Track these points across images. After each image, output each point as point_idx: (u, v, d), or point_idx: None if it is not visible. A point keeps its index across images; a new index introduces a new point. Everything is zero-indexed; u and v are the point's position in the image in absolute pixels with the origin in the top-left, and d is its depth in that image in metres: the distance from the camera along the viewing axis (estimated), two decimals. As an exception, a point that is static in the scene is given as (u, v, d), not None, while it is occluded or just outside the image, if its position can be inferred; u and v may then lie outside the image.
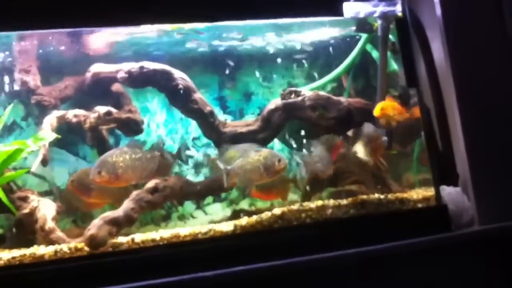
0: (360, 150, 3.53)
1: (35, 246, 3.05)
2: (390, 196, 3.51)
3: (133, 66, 3.55)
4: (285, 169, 3.41)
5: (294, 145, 4.00)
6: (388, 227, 3.28)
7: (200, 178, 3.96)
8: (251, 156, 3.29)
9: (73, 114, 3.56)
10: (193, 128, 3.98)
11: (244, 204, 3.96)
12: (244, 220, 3.26)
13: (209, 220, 3.76)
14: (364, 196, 3.50)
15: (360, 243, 3.05)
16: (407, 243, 3.11)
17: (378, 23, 3.77)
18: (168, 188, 3.42)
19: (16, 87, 3.61)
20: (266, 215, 3.26)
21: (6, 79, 3.63)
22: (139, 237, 3.11)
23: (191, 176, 3.95)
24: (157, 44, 3.73)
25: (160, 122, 3.96)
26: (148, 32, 3.52)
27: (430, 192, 3.51)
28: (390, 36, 3.82)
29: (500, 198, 3.42)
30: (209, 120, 3.69)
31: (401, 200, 3.48)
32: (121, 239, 3.08)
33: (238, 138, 3.64)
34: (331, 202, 3.45)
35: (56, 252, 2.94)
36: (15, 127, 3.69)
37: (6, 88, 3.63)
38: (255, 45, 4.02)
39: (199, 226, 3.31)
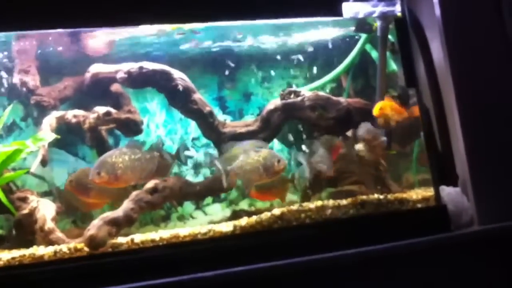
0: (360, 147, 3.53)
1: (35, 247, 3.05)
2: (389, 196, 3.51)
3: (132, 66, 3.54)
4: (284, 170, 3.41)
5: (294, 145, 4.00)
6: (387, 227, 3.28)
7: (200, 178, 3.96)
8: (250, 156, 3.29)
9: (72, 114, 3.56)
10: (193, 128, 3.98)
11: (243, 205, 3.96)
12: (243, 221, 3.26)
13: (208, 220, 3.75)
14: (364, 197, 3.50)
15: (359, 244, 3.05)
16: (407, 243, 3.11)
17: (378, 23, 3.77)
18: (168, 188, 3.42)
19: (15, 88, 3.60)
20: (265, 215, 3.26)
21: (6, 79, 3.62)
22: (139, 237, 3.11)
23: (190, 177, 3.95)
24: (156, 44, 3.73)
25: (159, 122, 3.96)
26: (147, 32, 3.52)
27: (429, 192, 3.51)
28: (390, 36, 3.83)
29: (499, 198, 3.42)
30: (209, 120, 3.69)
31: (400, 200, 3.48)
32: (121, 240, 3.07)
33: (237, 139, 3.64)
34: (331, 202, 3.45)
35: (55, 252, 2.94)
36: (15, 128, 3.69)
37: (6, 88, 3.63)
38: (255, 45, 4.02)
39: (198, 227, 3.31)
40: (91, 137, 3.56)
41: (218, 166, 3.32)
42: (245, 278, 2.86)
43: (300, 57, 4.18)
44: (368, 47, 4.08)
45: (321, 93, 3.85)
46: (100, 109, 3.54)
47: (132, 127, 3.66)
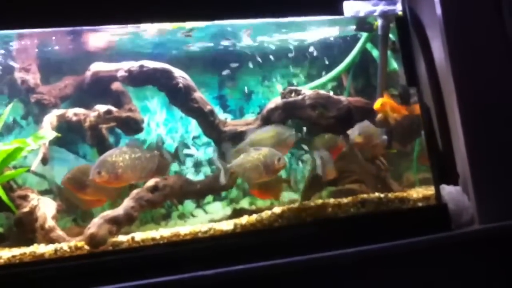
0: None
1: (35, 245, 3.05)
2: (390, 195, 3.51)
3: (133, 64, 3.54)
4: (284, 168, 3.41)
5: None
6: (388, 226, 3.27)
7: (201, 177, 3.96)
8: (251, 154, 3.29)
9: (73, 112, 3.57)
10: (193, 127, 3.98)
11: (244, 203, 3.96)
12: (244, 219, 3.26)
13: (209, 219, 3.76)
14: (364, 195, 3.50)
15: (360, 242, 3.06)
16: (407, 242, 3.11)
17: (378, 22, 3.77)
18: (168, 187, 3.42)
19: (16, 86, 3.60)
20: (266, 214, 3.27)
21: (6, 77, 3.62)
22: (139, 235, 3.11)
23: (191, 175, 3.95)
24: (155, 43, 3.74)
25: (160, 121, 3.96)
26: (146, 31, 3.52)
27: (430, 191, 3.51)
28: (390, 35, 3.83)
29: (500, 197, 3.42)
30: (209, 119, 3.69)
31: (401, 199, 3.48)
32: (121, 238, 3.08)
33: (238, 137, 3.64)
34: (331, 201, 3.45)
35: (56, 250, 2.95)
36: (15, 126, 3.69)
37: (6, 86, 3.63)
38: (255, 44, 4.01)
39: (199, 225, 3.32)
40: (91, 135, 3.57)
41: (218, 164, 3.32)
42: (245, 276, 2.86)
43: (301, 56, 4.18)
44: (369, 46, 4.09)
45: (322, 91, 3.84)
46: (101, 108, 3.55)
47: (132, 126, 3.67)
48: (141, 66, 3.52)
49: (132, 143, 3.30)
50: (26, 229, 3.22)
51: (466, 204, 3.42)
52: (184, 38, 3.66)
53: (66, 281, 2.78)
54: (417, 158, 3.93)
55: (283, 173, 3.88)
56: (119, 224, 3.13)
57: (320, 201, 3.48)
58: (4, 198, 3.11)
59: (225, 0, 3.29)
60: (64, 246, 2.98)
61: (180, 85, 3.57)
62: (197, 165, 4.01)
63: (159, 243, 3.06)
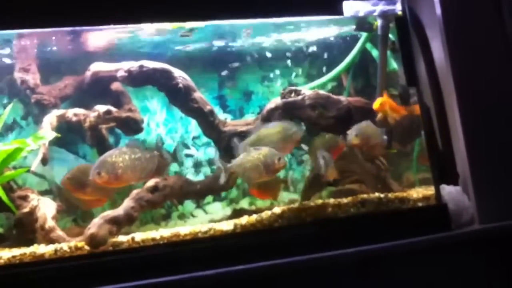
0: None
1: (35, 245, 3.05)
2: (390, 195, 3.51)
3: (133, 65, 3.53)
4: (284, 168, 3.41)
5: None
6: (388, 226, 3.28)
7: (200, 177, 3.96)
8: (251, 154, 3.29)
9: (73, 113, 3.57)
10: (193, 127, 3.98)
11: (244, 203, 3.96)
12: (244, 219, 3.26)
13: (209, 219, 3.76)
14: (364, 195, 3.50)
15: (360, 242, 3.06)
16: (407, 242, 3.11)
17: (378, 22, 3.77)
18: (168, 187, 3.42)
19: (16, 86, 3.60)
20: (266, 214, 3.27)
21: (6, 77, 3.62)
22: (139, 236, 3.11)
23: (191, 175, 3.95)
24: (154, 43, 3.74)
25: (160, 121, 3.96)
26: (145, 31, 3.52)
27: (430, 191, 3.51)
28: (390, 35, 3.83)
29: (500, 197, 3.42)
30: (209, 119, 3.68)
31: (401, 199, 3.48)
32: (121, 238, 3.08)
33: (237, 137, 3.64)
34: (331, 201, 3.45)
35: (56, 251, 2.95)
36: (15, 126, 3.69)
37: (6, 86, 3.63)
38: (255, 44, 4.01)
39: (199, 225, 3.32)
40: (91, 135, 3.56)
41: (218, 164, 3.32)
42: (245, 276, 2.86)
43: (301, 56, 4.18)
44: (368, 46, 4.08)
45: (322, 91, 3.84)
46: (101, 108, 3.55)
47: (132, 126, 3.67)
48: (141, 66, 3.52)
49: (132, 144, 3.30)
50: (26, 229, 3.22)
51: (466, 204, 3.42)
52: (181, 38, 3.65)
53: (66, 281, 2.77)
54: (417, 158, 3.93)
55: (281, 173, 3.89)
56: (119, 224, 3.13)
57: (320, 201, 3.48)
58: (4, 198, 3.11)
59: (225, 0, 3.29)
60: (64, 246, 2.98)
61: (180, 85, 3.57)
62: (197, 166, 4.01)
63: (159, 243, 3.06)
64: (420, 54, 3.78)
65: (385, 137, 3.62)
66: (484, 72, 3.55)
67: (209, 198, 3.91)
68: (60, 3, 3.03)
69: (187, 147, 4.00)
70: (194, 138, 4.02)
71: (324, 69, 4.20)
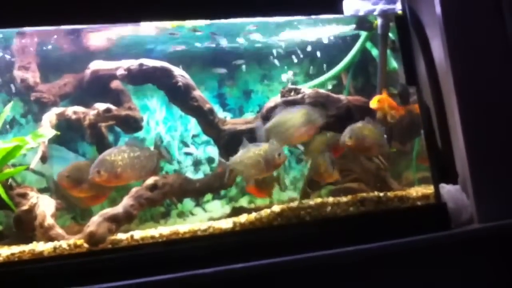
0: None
1: (34, 243, 3.05)
2: (389, 194, 3.51)
3: (133, 63, 3.53)
4: (284, 163, 3.41)
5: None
6: (387, 225, 3.27)
7: (200, 175, 3.96)
8: (251, 150, 3.29)
9: (72, 111, 3.56)
10: (193, 125, 3.97)
11: (243, 202, 3.96)
12: (243, 218, 3.26)
13: (208, 217, 3.76)
14: (364, 194, 3.50)
15: (359, 241, 3.06)
16: (406, 241, 3.11)
17: (378, 21, 3.77)
18: (168, 185, 3.43)
19: (15, 84, 3.60)
20: (265, 212, 3.27)
21: (6, 76, 3.62)
22: (139, 234, 3.11)
23: (190, 174, 3.95)
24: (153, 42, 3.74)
25: (159, 119, 3.96)
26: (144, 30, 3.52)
27: (429, 190, 3.51)
28: (390, 34, 3.83)
29: (499, 196, 3.42)
30: (209, 117, 3.68)
31: (400, 198, 3.48)
32: (120, 236, 3.08)
33: (237, 136, 3.63)
34: (331, 199, 3.45)
35: (55, 248, 2.95)
36: (14, 124, 3.69)
37: (6, 85, 3.63)
38: (255, 43, 4.02)
39: (198, 223, 3.32)
40: (91, 133, 3.56)
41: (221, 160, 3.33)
42: (244, 275, 2.86)
43: (301, 55, 4.18)
44: (368, 45, 4.08)
45: (322, 90, 3.84)
46: (100, 106, 3.54)
47: (132, 124, 3.66)
48: (141, 65, 3.52)
49: (131, 142, 3.30)
50: (25, 227, 3.22)
51: (465, 203, 3.42)
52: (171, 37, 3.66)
53: (65, 279, 2.76)
54: (416, 157, 3.93)
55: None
56: (119, 222, 3.13)
57: (319, 200, 3.48)
58: (4, 196, 3.11)
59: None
60: (63, 244, 2.98)
61: (180, 83, 3.57)
62: (197, 164, 4.01)
63: (158, 241, 3.06)
64: (420, 53, 3.78)
65: (384, 136, 3.62)
66: (484, 71, 3.55)
67: (208, 196, 3.91)
68: (60, 2, 3.03)
69: (186, 145, 4.00)
70: (193, 136, 4.02)
71: (324, 68, 4.19)
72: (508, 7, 3.61)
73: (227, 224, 3.21)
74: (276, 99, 3.79)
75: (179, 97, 3.64)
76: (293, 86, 3.78)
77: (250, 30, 3.80)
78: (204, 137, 3.94)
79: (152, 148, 3.38)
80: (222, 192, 3.94)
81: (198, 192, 3.66)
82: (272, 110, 3.70)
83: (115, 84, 3.72)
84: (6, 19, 2.98)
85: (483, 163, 3.46)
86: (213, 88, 4.09)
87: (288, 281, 2.99)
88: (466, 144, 3.47)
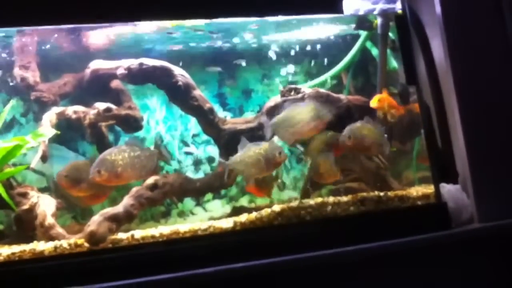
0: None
1: (35, 242, 3.05)
2: (389, 193, 3.52)
3: (133, 62, 3.53)
4: (284, 161, 3.41)
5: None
6: (387, 225, 3.28)
7: (200, 175, 3.96)
8: (252, 149, 3.29)
9: (72, 110, 3.56)
10: (193, 125, 3.97)
11: (243, 201, 3.96)
12: (243, 217, 3.26)
13: (208, 216, 3.76)
14: (364, 194, 3.50)
15: (359, 241, 3.06)
16: (407, 241, 3.11)
17: (378, 21, 3.77)
18: (168, 184, 3.43)
19: (16, 84, 3.60)
20: (265, 212, 3.27)
21: (6, 75, 3.62)
22: (139, 233, 3.11)
23: (190, 173, 3.95)
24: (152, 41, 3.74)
25: (159, 119, 3.96)
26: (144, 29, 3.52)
27: (429, 189, 3.51)
28: (390, 34, 3.83)
29: (499, 196, 3.42)
30: (209, 117, 3.68)
31: (400, 197, 3.48)
32: (121, 236, 3.08)
33: (238, 135, 3.63)
34: (331, 199, 3.46)
35: (55, 248, 2.95)
36: (15, 123, 3.69)
37: (6, 84, 3.63)
38: (255, 42, 4.02)
39: (198, 223, 3.32)
40: (91, 133, 3.56)
41: (221, 160, 3.34)
42: (245, 274, 2.86)
43: (301, 54, 4.18)
44: (368, 44, 4.08)
45: (322, 90, 3.84)
46: (100, 105, 3.54)
47: (132, 124, 3.66)
48: (141, 64, 3.51)
49: (131, 142, 3.30)
50: (25, 226, 3.22)
51: (465, 202, 3.42)
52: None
53: (66, 278, 2.76)
54: (416, 156, 3.93)
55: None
56: (119, 221, 3.13)
57: (319, 200, 3.49)
58: (4, 195, 3.11)
59: (225, -1, 3.30)
60: (64, 243, 2.98)
61: (180, 83, 3.57)
62: (197, 163, 4.01)
63: (158, 241, 3.06)
64: (420, 52, 3.78)
65: (385, 135, 3.62)
66: (484, 70, 3.55)
67: (209, 195, 3.91)
68: (59, 1, 3.03)
69: (186, 144, 4.00)
70: (193, 136, 4.02)
71: (324, 67, 4.19)
72: (508, 7, 3.61)
73: (227, 223, 3.21)
74: (276, 98, 3.78)
75: (179, 96, 3.63)
76: (293, 86, 3.78)
77: (251, 30, 3.80)
78: (204, 137, 3.94)
79: (152, 147, 3.37)
80: (223, 192, 3.94)
81: (198, 191, 3.65)
82: (272, 109, 3.71)
83: (115, 83, 3.71)
84: (6, 18, 2.97)
85: (483, 162, 3.47)
86: (213, 87, 4.09)
87: (288, 281, 2.99)
88: (466, 144, 3.47)
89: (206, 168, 4.00)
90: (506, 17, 3.61)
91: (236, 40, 3.93)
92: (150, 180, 3.37)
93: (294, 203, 3.39)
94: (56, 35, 3.49)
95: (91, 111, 3.54)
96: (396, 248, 3.10)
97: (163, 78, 3.58)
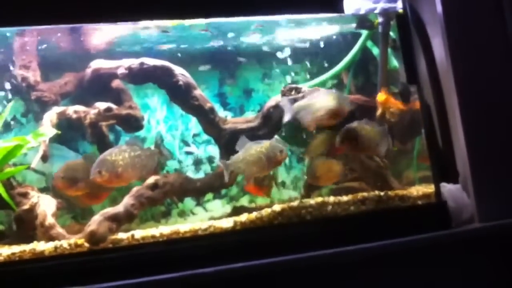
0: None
1: (35, 242, 3.06)
2: (390, 193, 3.52)
3: (133, 62, 3.53)
4: (285, 160, 3.40)
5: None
6: (388, 224, 3.28)
7: (201, 174, 3.96)
8: (253, 147, 3.29)
9: (73, 110, 3.56)
10: (193, 124, 3.97)
11: (244, 201, 3.96)
12: (244, 217, 3.26)
13: (209, 216, 3.76)
14: (364, 193, 3.50)
15: (360, 240, 3.06)
16: (407, 240, 3.11)
17: (379, 20, 3.77)
18: (168, 184, 3.43)
19: (16, 83, 3.60)
20: (266, 211, 3.27)
21: (7, 75, 3.62)
22: (139, 233, 3.12)
23: (191, 173, 3.95)
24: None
25: (160, 118, 3.96)
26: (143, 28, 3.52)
27: (430, 189, 3.51)
28: (391, 33, 3.82)
29: (500, 196, 3.42)
30: (209, 116, 3.68)
31: (401, 197, 3.48)
32: (121, 235, 3.08)
33: (238, 134, 3.63)
34: (331, 199, 3.45)
35: (56, 248, 2.95)
36: (15, 123, 3.69)
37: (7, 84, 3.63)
38: (255, 42, 4.01)
39: (199, 223, 3.32)
40: (92, 133, 3.56)
41: (219, 164, 3.33)
42: (245, 274, 2.87)
43: (301, 54, 4.18)
44: (369, 43, 4.08)
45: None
46: (101, 105, 3.54)
47: (132, 123, 3.66)
48: (142, 64, 3.51)
49: (131, 141, 3.30)
50: (26, 226, 3.22)
51: (466, 202, 3.42)
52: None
53: (66, 278, 2.77)
54: (417, 156, 3.93)
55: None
56: (119, 221, 3.13)
57: (320, 199, 3.48)
58: (4, 195, 3.11)
59: (225, -1, 3.30)
60: (64, 243, 2.98)
61: (180, 82, 3.57)
62: (197, 163, 4.01)
63: (159, 241, 3.07)
64: (421, 52, 3.77)
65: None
66: (485, 70, 3.54)
67: (209, 195, 3.91)
68: (60, 2, 3.03)
69: (187, 144, 4.00)
70: (194, 135, 4.02)
71: (325, 67, 4.19)
72: (509, 6, 3.60)
73: (227, 223, 3.22)
74: (277, 98, 3.78)
75: (180, 96, 3.63)
76: (294, 85, 3.78)
77: (251, 29, 3.80)
78: (205, 136, 3.94)
79: (152, 147, 3.37)
80: (223, 191, 3.94)
81: (199, 191, 3.65)
82: (273, 109, 3.70)
83: (116, 83, 3.71)
84: (6, 18, 2.97)
85: (483, 162, 3.46)
86: (213, 86, 4.09)
87: (288, 280, 2.99)
88: (466, 143, 3.46)
89: (206, 168, 4.00)
90: (506, 17, 3.61)
91: (235, 39, 3.92)
92: (151, 179, 3.37)
93: (295, 203, 3.39)
94: (54, 34, 3.49)
95: (92, 111, 3.54)
96: (396, 247, 3.10)
97: (163, 77, 3.57)
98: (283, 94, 3.73)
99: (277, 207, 3.29)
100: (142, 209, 3.35)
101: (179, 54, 3.84)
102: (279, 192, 4.00)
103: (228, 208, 3.88)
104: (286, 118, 3.39)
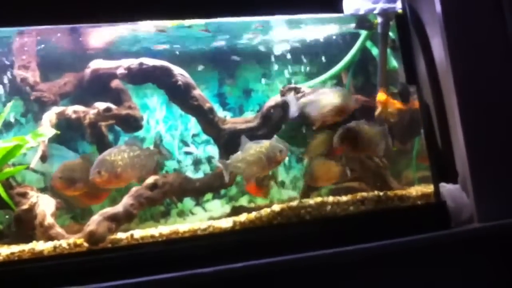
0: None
1: (34, 242, 3.05)
2: (389, 193, 3.51)
3: (133, 62, 3.53)
4: (284, 159, 3.40)
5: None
6: (387, 224, 3.27)
7: (200, 174, 3.96)
8: (253, 147, 3.28)
9: (72, 110, 3.56)
10: (193, 124, 3.97)
11: (243, 201, 3.96)
12: (243, 217, 3.26)
13: (208, 216, 3.76)
14: (364, 193, 3.50)
15: (359, 240, 3.05)
16: (406, 240, 3.11)
17: (378, 20, 3.77)
18: (168, 184, 3.42)
19: (16, 83, 3.60)
20: (265, 211, 3.27)
21: (6, 75, 3.62)
22: (138, 233, 3.12)
23: (190, 173, 3.95)
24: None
25: (159, 118, 3.96)
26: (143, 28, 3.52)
27: (429, 189, 3.51)
28: (390, 33, 3.82)
29: (499, 196, 3.42)
30: (209, 116, 3.68)
31: (400, 197, 3.48)
32: (120, 235, 3.08)
33: (237, 135, 3.63)
34: (331, 199, 3.45)
35: (55, 247, 2.95)
36: (15, 123, 3.69)
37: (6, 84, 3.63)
38: (255, 42, 4.01)
39: (198, 223, 3.32)
40: (91, 133, 3.56)
41: (219, 165, 3.33)
42: (244, 274, 2.86)
43: (301, 54, 4.18)
44: (368, 44, 4.08)
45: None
46: (100, 105, 3.54)
47: (132, 123, 3.66)
48: (141, 64, 3.51)
49: (131, 141, 3.30)
50: (25, 226, 3.22)
51: (465, 202, 3.42)
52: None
53: (65, 278, 2.76)
54: (416, 156, 3.93)
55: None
56: (118, 221, 3.13)
57: (319, 199, 3.48)
58: (4, 195, 3.11)
59: (225, -1, 3.30)
60: (63, 243, 2.98)
61: (180, 82, 3.57)
62: (197, 163, 4.01)
63: (158, 241, 3.06)
64: (420, 52, 3.77)
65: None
66: (484, 70, 3.54)
67: (209, 195, 3.91)
68: (59, 1, 3.03)
69: (186, 144, 4.00)
70: (193, 135, 4.02)
71: (324, 67, 4.19)
72: (509, 6, 3.60)
73: (227, 223, 3.21)
74: (276, 98, 3.78)
75: (179, 96, 3.63)
76: (293, 85, 3.78)
77: (251, 29, 3.80)
78: (204, 136, 3.94)
79: (151, 147, 3.37)
80: (222, 191, 3.94)
81: (198, 191, 3.65)
82: (272, 109, 3.70)
83: (115, 83, 3.71)
84: (6, 18, 2.97)
85: (483, 162, 3.46)
86: (213, 86, 4.09)
87: (288, 281, 2.99)
88: (466, 143, 3.46)
89: (205, 168, 4.00)
90: (506, 16, 3.61)
91: (235, 39, 3.92)
92: (150, 179, 3.37)
93: (294, 203, 3.39)
94: (54, 34, 3.49)
95: (91, 111, 3.54)
96: (395, 247, 3.09)
97: (163, 77, 3.57)
98: (282, 94, 3.74)
99: (276, 207, 3.30)
100: (142, 209, 3.35)
101: (177, 53, 3.84)
102: (279, 192, 4.00)
103: (227, 208, 3.88)
104: (292, 113, 3.39)
